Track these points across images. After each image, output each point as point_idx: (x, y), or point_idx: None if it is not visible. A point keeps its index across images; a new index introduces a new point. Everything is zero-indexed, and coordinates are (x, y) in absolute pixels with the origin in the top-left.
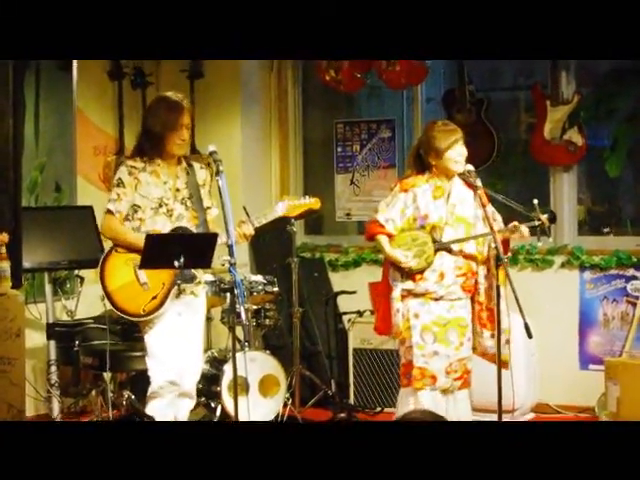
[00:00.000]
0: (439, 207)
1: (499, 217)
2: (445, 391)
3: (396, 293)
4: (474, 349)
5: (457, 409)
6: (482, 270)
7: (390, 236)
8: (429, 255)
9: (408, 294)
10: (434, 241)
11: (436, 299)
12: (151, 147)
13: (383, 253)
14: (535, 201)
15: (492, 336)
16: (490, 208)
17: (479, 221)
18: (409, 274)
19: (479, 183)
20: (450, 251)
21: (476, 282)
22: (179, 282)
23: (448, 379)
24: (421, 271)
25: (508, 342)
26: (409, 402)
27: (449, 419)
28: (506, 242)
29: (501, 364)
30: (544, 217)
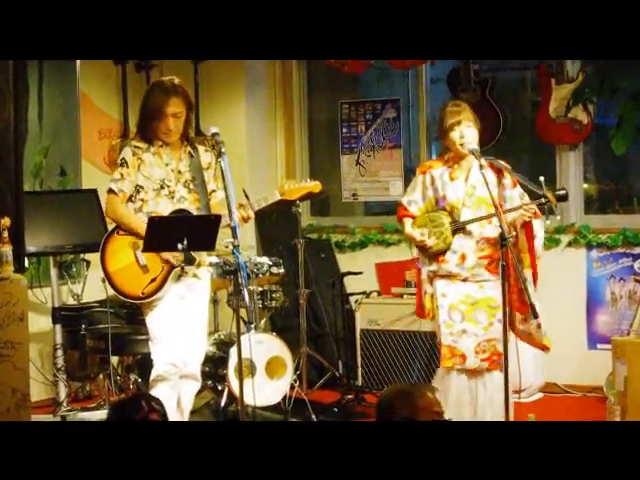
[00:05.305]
0: (457, 188)
1: (527, 199)
2: (474, 373)
3: (423, 276)
4: (513, 330)
5: (488, 392)
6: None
7: (414, 218)
8: (447, 236)
9: (434, 275)
10: (451, 222)
11: (463, 280)
12: (144, 131)
13: (404, 234)
14: (541, 178)
15: (525, 319)
16: (518, 190)
17: (505, 203)
18: (434, 257)
19: (484, 162)
20: (470, 233)
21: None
22: (181, 264)
23: (477, 359)
24: (441, 252)
25: (540, 326)
26: (441, 382)
27: (480, 403)
28: (529, 225)
29: (542, 348)
30: (550, 194)
